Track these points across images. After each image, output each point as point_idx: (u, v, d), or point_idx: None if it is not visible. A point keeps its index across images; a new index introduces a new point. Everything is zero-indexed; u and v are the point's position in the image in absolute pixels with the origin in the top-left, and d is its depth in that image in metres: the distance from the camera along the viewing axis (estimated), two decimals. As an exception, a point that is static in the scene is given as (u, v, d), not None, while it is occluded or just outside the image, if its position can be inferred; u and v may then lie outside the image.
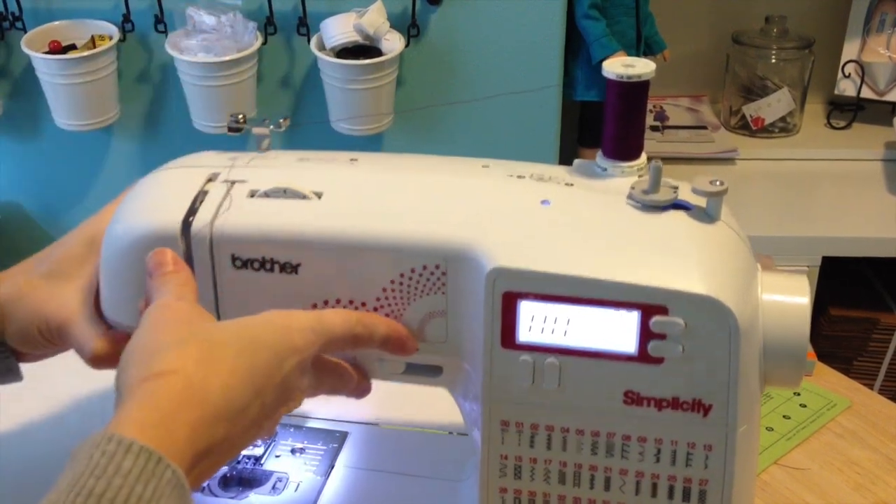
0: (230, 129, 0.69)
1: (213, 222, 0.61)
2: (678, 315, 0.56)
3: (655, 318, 0.56)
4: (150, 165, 0.69)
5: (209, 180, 0.65)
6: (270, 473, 0.76)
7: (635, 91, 0.63)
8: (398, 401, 0.84)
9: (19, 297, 0.65)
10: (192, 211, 0.62)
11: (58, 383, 0.88)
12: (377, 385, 0.66)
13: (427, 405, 0.83)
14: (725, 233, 0.61)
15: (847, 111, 1.79)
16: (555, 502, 0.63)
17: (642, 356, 0.58)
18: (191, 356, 0.51)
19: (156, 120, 1.53)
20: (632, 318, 0.57)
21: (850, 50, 1.75)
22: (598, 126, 1.75)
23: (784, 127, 1.77)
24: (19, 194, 1.59)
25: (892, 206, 1.59)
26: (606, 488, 0.62)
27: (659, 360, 0.57)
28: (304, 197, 0.62)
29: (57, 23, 1.42)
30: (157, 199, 0.64)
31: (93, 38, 1.40)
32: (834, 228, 1.56)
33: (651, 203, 0.61)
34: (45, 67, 1.37)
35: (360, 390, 0.64)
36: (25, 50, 1.36)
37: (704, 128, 1.80)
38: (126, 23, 1.42)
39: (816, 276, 1.56)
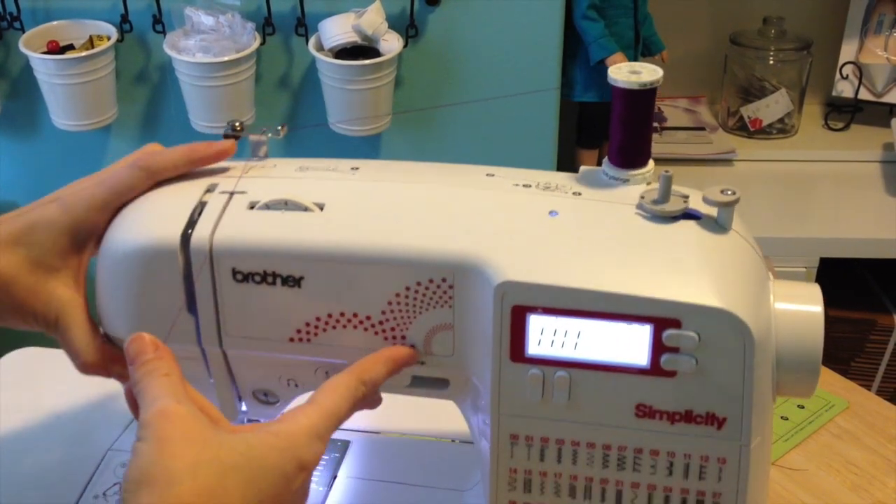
0: (226, 137, 0.67)
1: (213, 235, 0.60)
2: (691, 328, 0.55)
3: (668, 332, 0.55)
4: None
5: (207, 191, 0.63)
6: None
7: (642, 99, 0.61)
8: (400, 410, 0.83)
9: (3, 288, 0.63)
10: (190, 223, 0.61)
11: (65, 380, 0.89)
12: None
13: (430, 414, 0.83)
14: (737, 243, 0.60)
15: (845, 112, 1.79)
16: None
17: (655, 369, 0.57)
18: (204, 489, 0.51)
19: (154, 120, 1.53)
20: (644, 332, 0.56)
21: (847, 51, 1.75)
22: (597, 127, 1.76)
23: (782, 128, 1.77)
24: (17, 194, 1.59)
25: (889, 208, 1.59)
26: (618, 502, 0.61)
27: (671, 374, 0.57)
28: (305, 209, 0.61)
29: (55, 23, 1.42)
30: (156, 210, 0.63)
31: (91, 39, 1.40)
32: (831, 230, 1.56)
33: (661, 214, 0.60)
34: (44, 67, 1.37)
35: (372, 404, 0.64)
36: (23, 50, 1.36)
37: (702, 129, 1.80)
38: (124, 23, 1.42)
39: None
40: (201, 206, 0.62)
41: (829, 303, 0.62)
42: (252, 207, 0.62)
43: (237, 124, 0.67)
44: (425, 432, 0.82)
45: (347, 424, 0.81)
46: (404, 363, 0.62)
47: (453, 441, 0.80)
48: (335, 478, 0.76)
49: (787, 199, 1.65)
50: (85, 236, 0.64)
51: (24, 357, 0.94)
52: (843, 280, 1.68)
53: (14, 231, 0.64)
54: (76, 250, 0.64)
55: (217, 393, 0.67)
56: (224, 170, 0.66)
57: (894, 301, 1.67)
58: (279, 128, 0.68)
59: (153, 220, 0.62)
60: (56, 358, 0.92)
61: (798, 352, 0.59)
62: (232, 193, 0.63)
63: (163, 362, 0.56)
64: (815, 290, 0.61)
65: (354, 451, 0.79)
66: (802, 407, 0.92)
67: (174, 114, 1.49)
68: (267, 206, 0.61)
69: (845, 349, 1.65)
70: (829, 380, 0.96)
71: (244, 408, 0.69)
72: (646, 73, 0.61)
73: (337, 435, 0.80)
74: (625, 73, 0.61)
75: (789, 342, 0.59)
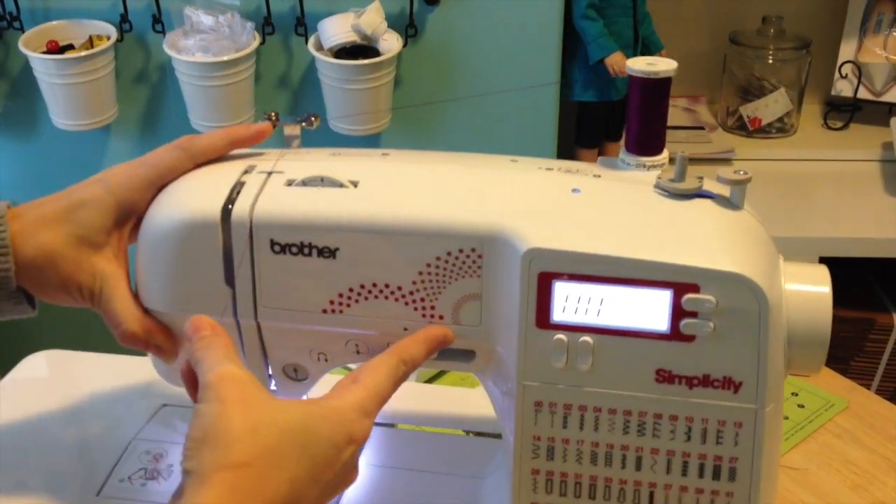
0: None
1: (253, 209, 0.63)
2: (709, 293, 0.58)
3: (687, 296, 0.58)
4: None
5: (245, 172, 0.66)
6: None
7: (658, 88, 0.65)
8: (416, 402, 0.85)
9: (49, 261, 0.66)
10: (230, 199, 0.64)
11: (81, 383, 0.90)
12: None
13: (446, 407, 0.84)
14: (750, 221, 0.63)
15: (844, 112, 1.79)
16: (586, 483, 0.64)
17: (674, 334, 0.59)
18: (263, 450, 0.54)
19: (153, 120, 1.53)
20: (664, 297, 0.59)
21: (846, 50, 1.75)
22: (596, 126, 1.75)
23: (781, 127, 1.78)
24: (17, 194, 1.59)
25: (888, 207, 1.60)
26: (638, 468, 0.63)
27: (690, 338, 0.59)
28: (341, 185, 0.64)
29: (55, 23, 1.42)
30: (196, 188, 0.66)
31: (90, 38, 1.40)
32: (831, 229, 1.56)
33: (678, 191, 0.63)
34: (43, 67, 1.37)
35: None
36: (23, 50, 1.36)
37: (702, 128, 1.80)
38: (124, 23, 1.42)
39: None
40: (240, 185, 0.65)
41: (827, 301, 0.64)
42: (290, 185, 0.65)
43: (272, 114, 0.71)
44: (441, 423, 0.84)
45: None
46: (442, 343, 0.64)
47: (467, 433, 0.81)
48: None
49: (787, 199, 1.65)
50: (127, 214, 0.67)
51: (46, 359, 0.95)
52: (842, 279, 1.67)
53: (60, 209, 0.66)
54: (119, 227, 0.67)
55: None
56: (260, 154, 0.69)
57: (894, 300, 1.68)
58: (312, 118, 0.71)
59: (194, 197, 0.65)
60: (77, 360, 0.94)
61: (808, 328, 0.61)
62: (270, 173, 0.66)
63: (220, 338, 0.60)
64: (824, 271, 0.64)
65: (372, 441, 0.81)
66: (802, 406, 0.92)
67: (174, 114, 1.49)
68: (304, 183, 0.64)
69: (845, 348, 1.65)
70: (829, 379, 0.96)
71: (274, 386, 0.71)
72: (661, 64, 0.65)
73: None
74: (643, 64, 0.65)
75: (799, 319, 0.61)
